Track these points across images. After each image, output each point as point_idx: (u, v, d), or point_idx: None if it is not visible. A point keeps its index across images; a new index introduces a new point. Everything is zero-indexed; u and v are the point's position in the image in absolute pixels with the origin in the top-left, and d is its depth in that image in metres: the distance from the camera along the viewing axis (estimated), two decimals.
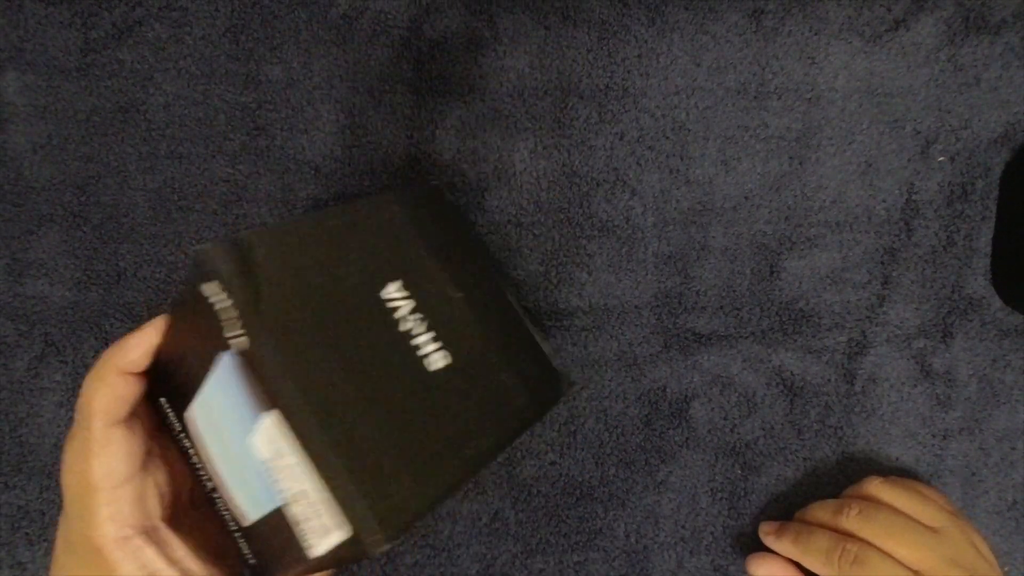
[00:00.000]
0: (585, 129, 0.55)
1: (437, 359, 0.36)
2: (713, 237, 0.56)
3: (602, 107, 0.55)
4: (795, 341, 0.56)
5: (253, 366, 0.31)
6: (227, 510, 0.38)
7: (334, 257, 0.35)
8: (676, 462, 0.55)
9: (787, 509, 0.55)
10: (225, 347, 0.32)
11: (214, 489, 0.38)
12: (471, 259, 0.43)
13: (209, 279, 0.32)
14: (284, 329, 0.32)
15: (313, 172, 0.55)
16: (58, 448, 0.54)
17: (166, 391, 0.39)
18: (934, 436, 0.56)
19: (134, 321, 0.54)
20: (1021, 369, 0.57)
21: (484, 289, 0.42)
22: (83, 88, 0.55)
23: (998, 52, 0.56)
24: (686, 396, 0.55)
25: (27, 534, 0.54)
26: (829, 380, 0.56)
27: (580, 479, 0.55)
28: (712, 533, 0.55)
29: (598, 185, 0.55)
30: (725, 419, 0.56)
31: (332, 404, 0.31)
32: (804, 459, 0.56)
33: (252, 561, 0.39)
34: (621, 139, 0.55)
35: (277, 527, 0.34)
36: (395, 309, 0.36)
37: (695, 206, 0.56)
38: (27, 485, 0.54)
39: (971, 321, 0.57)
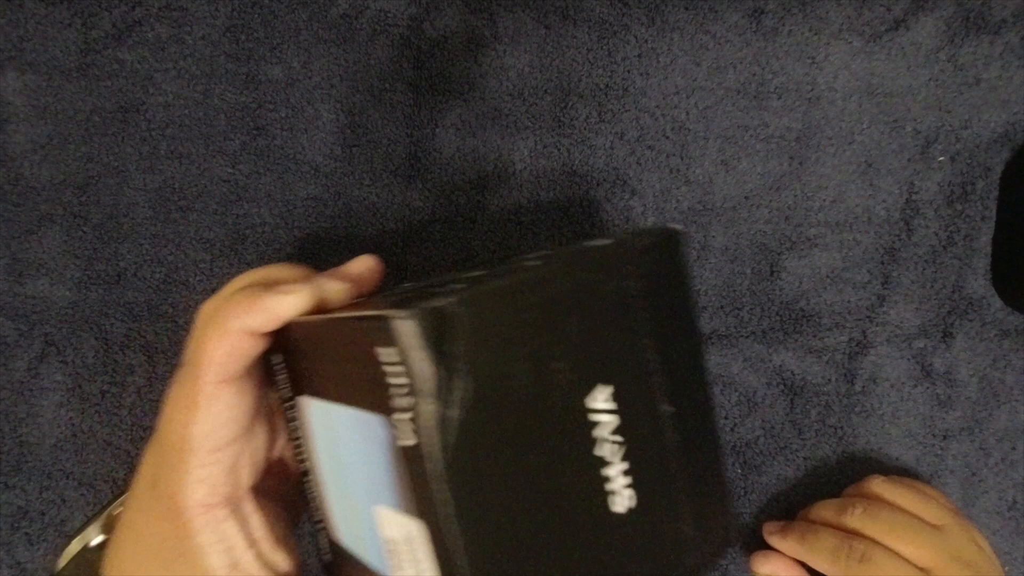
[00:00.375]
0: (585, 128, 0.55)
1: (623, 499, 0.29)
2: (713, 237, 0.56)
3: (602, 106, 0.55)
4: (795, 341, 0.56)
5: (410, 463, 0.26)
6: (314, 498, 0.35)
7: (549, 342, 0.28)
8: None
9: (787, 508, 0.55)
10: (384, 412, 0.26)
11: (307, 473, 0.35)
12: (688, 346, 0.35)
13: (388, 345, 0.25)
14: (462, 436, 0.25)
15: (313, 172, 0.55)
16: (58, 448, 0.54)
17: (286, 349, 0.34)
18: (934, 436, 0.57)
19: (135, 321, 0.55)
20: (1021, 369, 0.57)
21: (693, 396, 0.34)
22: (83, 88, 0.55)
23: (998, 52, 0.56)
24: None
25: (27, 534, 0.54)
26: (829, 380, 0.56)
27: None
28: None
29: (598, 184, 0.55)
30: (726, 418, 0.56)
31: (490, 538, 0.26)
32: (804, 458, 0.56)
33: (327, 558, 0.36)
34: (621, 138, 0.56)
35: (363, 571, 0.32)
36: (595, 424, 0.29)
37: (695, 206, 0.56)
38: (27, 485, 0.54)
39: (971, 321, 0.57)
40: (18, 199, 0.55)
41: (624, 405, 0.29)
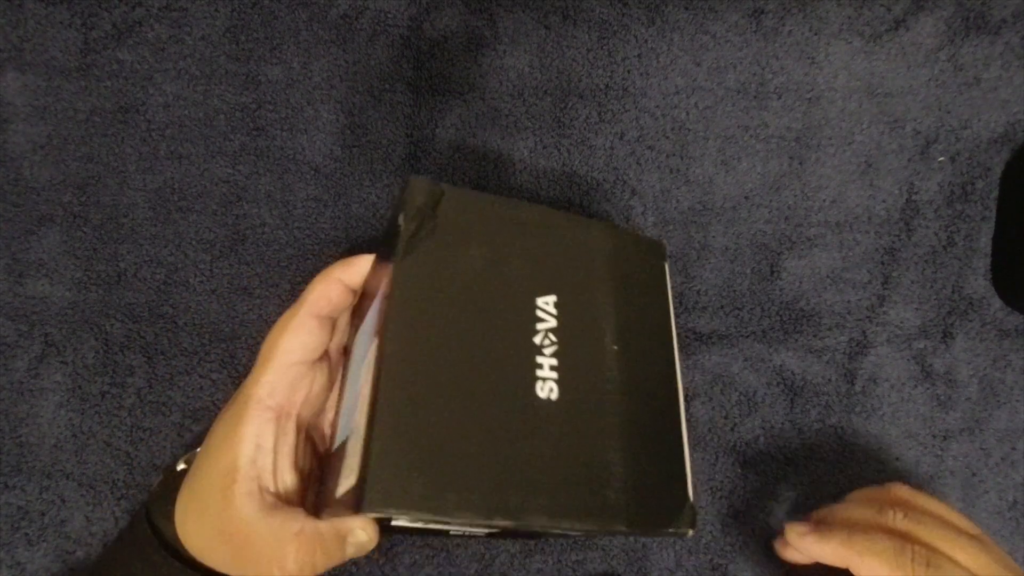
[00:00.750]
0: (585, 129, 0.56)
1: (546, 389, 0.34)
2: (713, 237, 0.56)
3: (602, 107, 0.56)
4: (796, 341, 0.57)
5: (386, 295, 0.33)
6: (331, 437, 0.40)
7: (515, 245, 0.36)
8: None
9: (788, 508, 0.56)
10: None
11: (337, 414, 0.40)
12: (655, 334, 0.39)
13: (400, 209, 0.34)
14: (428, 277, 0.33)
15: (313, 172, 0.56)
16: (58, 448, 0.55)
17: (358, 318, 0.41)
18: (934, 436, 0.57)
19: (135, 322, 0.55)
20: (1021, 369, 0.57)
21: (649, 369, 0.38)
22: (83, 88, 0.56)
23: (998, 52, 0.57)
24: (687, 395, 0.56)
25: (27, 534, 0.55)
26: (829, 380, 0.57)
27: None
28: (711, 532, 0.56)
29: (598, 185, 0.56)
30: (726, 418, 0.56)
31: (425, 363, 0.31)
32: (804, 458, 0.56)
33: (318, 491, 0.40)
34: (621, 139, 0.56)
35: (338, 459, 0.36)
36: (540, 320, 0.35)
37: (695, 206, 0.56)
38: (27, 485, 0.55)
39: (971, 321, 0.57)
40: (18, 199, 0.55)
41: (565, 316, 0.35)
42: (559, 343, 0.35)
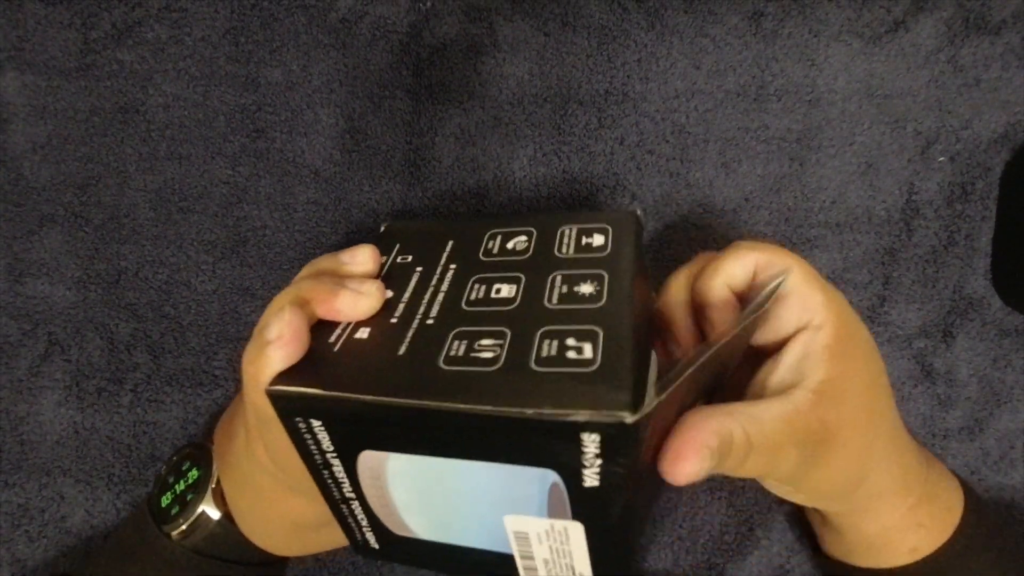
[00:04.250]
0: (585, 135, 0.58)
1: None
2: (714, 239, 0.59)
3: (602, 112, 0.59)
4: None
5: (580, 498, 0.34)
6: (361, 514, 0.41)
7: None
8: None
9: (788, 509, 0.58)
10: (548, 467, 0.33)
11: (350, 499, 0.40)
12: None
13: (594, 432, 0.31)
14: (623, 487, 0.33)
15: (313, 175, 0.58)
16: (59, 446, 0.58)
17: (324, 417, 0.37)
18: (935, 436, 0.59)
19: (139, 321, 0.58)
20: (1021, 369, 0.59)
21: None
22: (83, 88, 0.58)
23: (998, 52, 0.59)
24: None
25: (27, 531, 0.58)
26: None
27: None
28: (709, 532, 0.58)
29: (598, 191, 0.58)
30: None
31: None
32: None
33: (373, 545, 0.42)
34: (621, 144, 0.59)
35: (473, 559, 0.40)
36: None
37: (696, 209, 0.59)
38: (27, 483, 0.58)
39: (972, 321, 0.59)
40: (19, 199, 0.58)
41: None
42: None
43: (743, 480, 0.58)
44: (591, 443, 0.31)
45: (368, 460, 0.37)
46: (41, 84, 0.58)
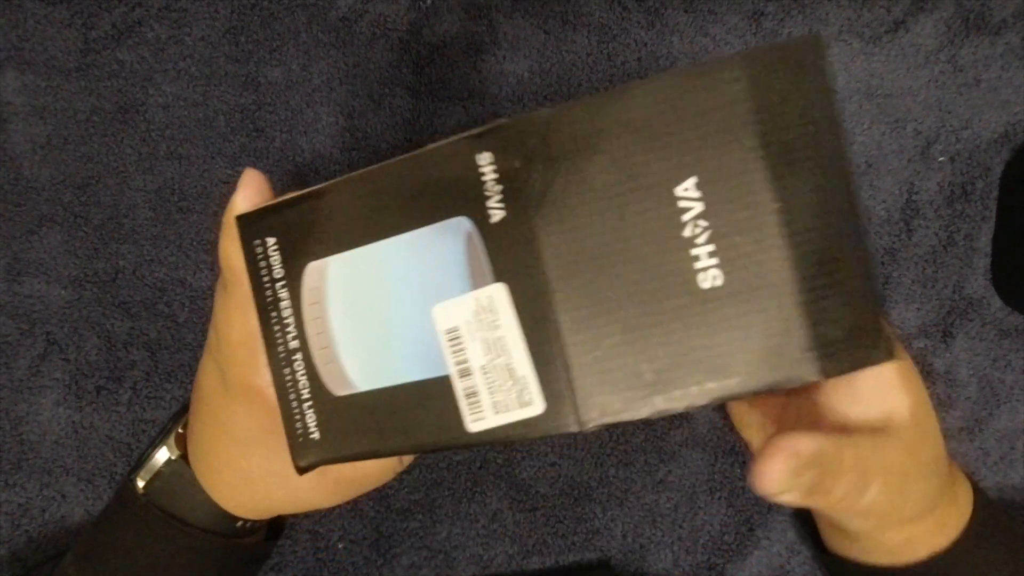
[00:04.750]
0: None
1: (710, 277, 0.34)
2: None
3: None
4: None
5: (493, 238, 0.34)
6: (303, 376, 0.40)
7: (640, 145, 0.34)
8: (676, 461, 0.58)
9: (788, 508, 0.58)
10: (458, 213, 0.35)
11: (294, 351, 0.40)
12: (818, 162, 0.36)
13: (485, 150, 0.34)
14: (553, 211, 0.34)
15: (313, 175, 0.59)
16: (59, 445, 0.58)
17: (278, 231, 0.40)
18: None
19: (136, 320, 0.58)
20: (1021, 369, 0.60)
21: (822, 199, 0.36)
22: (83, 88, 0.58)
23: (998, 52, 0.59)
24: None
25: (27, 531, 0.58)
26: None
27: (579, 480, 0.59)
28: (709, 532, 0.58)
29: None
30: (726, 418, 0.59)
31: (575, 290, 0.34)
32: None
33: (314, 436, 0.40)
34: None
35: (411, 399, 0.37)
36: (685, 210, 0.34)
37: None
38: (27, 483, 0.58)
39: (971, 321, 0.60)
40: (18, 199, 0.58)
41: (711, 193, 0.34)
42: (711, 226, 0.34)
43: (743, 482, 0.58)
44: (486, 162, 0.34)
45: (311, 280, 0.39)
46: (41, 84, 0.58)
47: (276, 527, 0.56)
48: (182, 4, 0.58)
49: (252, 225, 0.41)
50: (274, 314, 0.40)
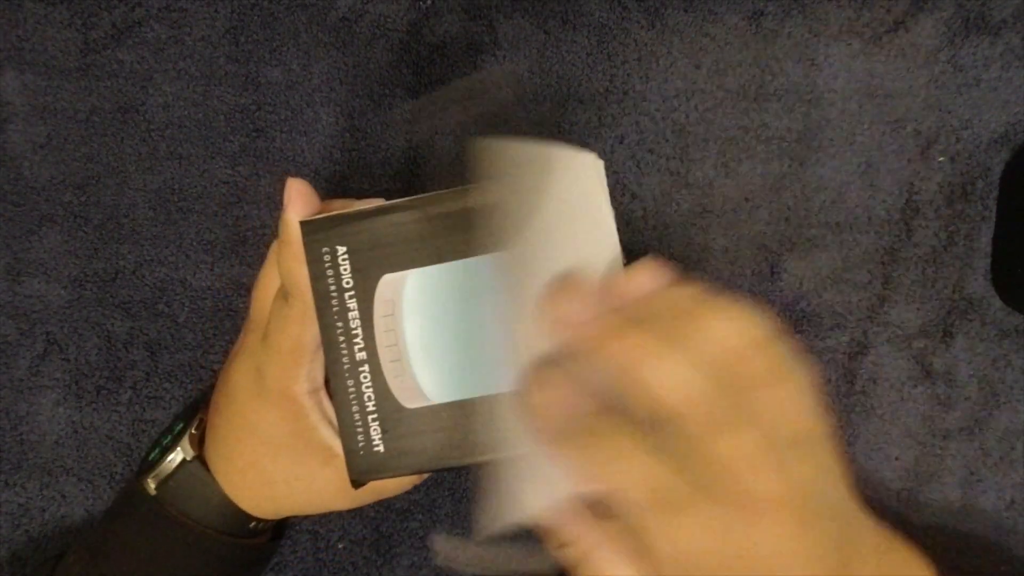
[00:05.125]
0: (585, 133, 0.58)
1: None
2: (714, 239, 0.59)
3: (602, 111, 0.58)
4: (796, 341, 0.59)
5: None
6: (368, 387, 0.41)
7: None
8: None
9: None
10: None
11: (360, 363, 0.41)
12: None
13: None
14: None
15: (313, 174, 0.58)
16: (59, 445, 0.57)
17: (349, 241, 0.41)
18: (934, 436, 0.59)
19: (134, 321, 0.58)
20: (1021, 369, 0.60)
21: None
22: (83, 88, 0.58)
23: (998, 52, 0.59)
24: None
25: (28, 531, 0.58)
26: (830, 380, 0.59)
27: None
28: None
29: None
30: None
31: None
32: None
33: (377, 448, 0.41)
34: (621, 142, 0.59)
35: (485, 412, 0.39)
36: None
37: (695, 208, 0.59)
38: (27, 483, 0.58)
39: (971, 321, 0.59)
40: (19, 199, 0.58)
41: None
42: None
43: None
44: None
45: (385, 292, 0.40)
46: (41, 84, 0.58)
47: (279, 527, 0.56)
48: (182, 4, 0.58)
49: (319, 232, 0.41)
50: (340, 325, 0.41)
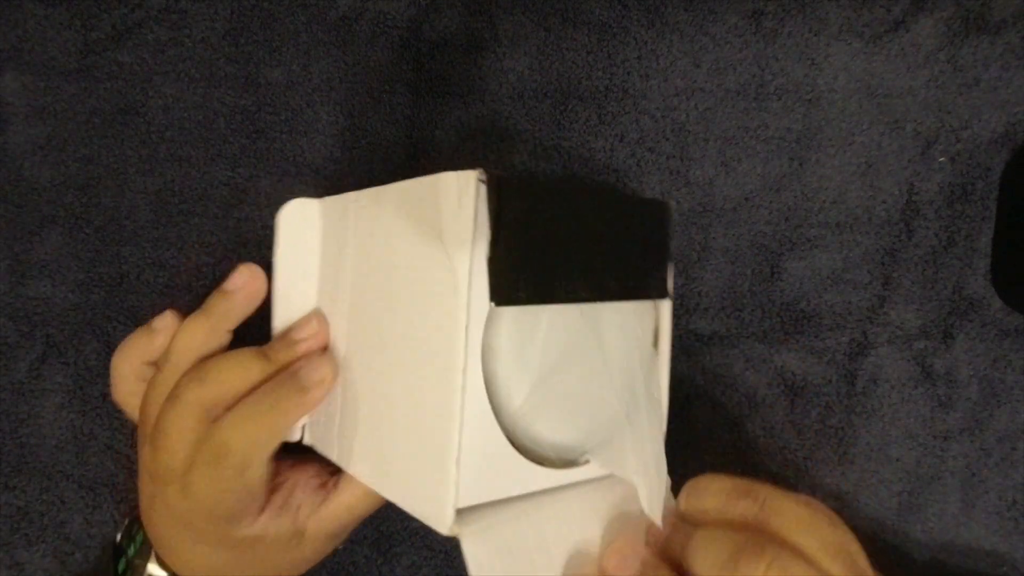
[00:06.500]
0: (585, 131, 0.57)
1: None
2: (714, 238, 0.58)
3: (602, 109, 0.57)
4: (796, 341, 0.58)
5: None
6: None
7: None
8: (677, 462, 0.57)
9: None
10: None
11: None
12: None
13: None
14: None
15: (313, 174, 0.57)
16: (59, 449, 0.56)
17: None
18: (935, 437, 0.58)
19: (137, 324, 0.56)
20: (1021, 369, 0.59)
21: None
22: (83, 89, 0.57)
23: (998, 52, 0.58)
24: (688, 396, 0.57)
25: (26, 535, 0.56)
26: (830, 380, 0.58)
27: None
28: None
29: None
30: (726, 419, 0.58)
31: None
32: (804, 459, 0.57)
33: None
34: (621, 141, 0.58)
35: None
36: None
37: (695, 207, 0.58)
38: (27, 486, 0.57)
39: (972, 322, 0.59)
40: (20, 200, 0.57)
41: None
42: None
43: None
44: None
45: None
46: (41, 84, 0.57)
47: None
48: (182, 5, 0.57)
49: None
50: None
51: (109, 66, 0.57)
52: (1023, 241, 0.57)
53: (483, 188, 0.34)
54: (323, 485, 0.47)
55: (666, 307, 0.46)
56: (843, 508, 0.57)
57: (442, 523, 0.34)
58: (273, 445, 0.42)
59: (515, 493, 0.38)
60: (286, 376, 0.43)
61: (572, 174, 0.57)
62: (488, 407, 0.36)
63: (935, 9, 0.58)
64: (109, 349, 0.56)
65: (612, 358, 0.42)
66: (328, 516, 0.45)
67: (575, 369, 0.40)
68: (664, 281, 0.45)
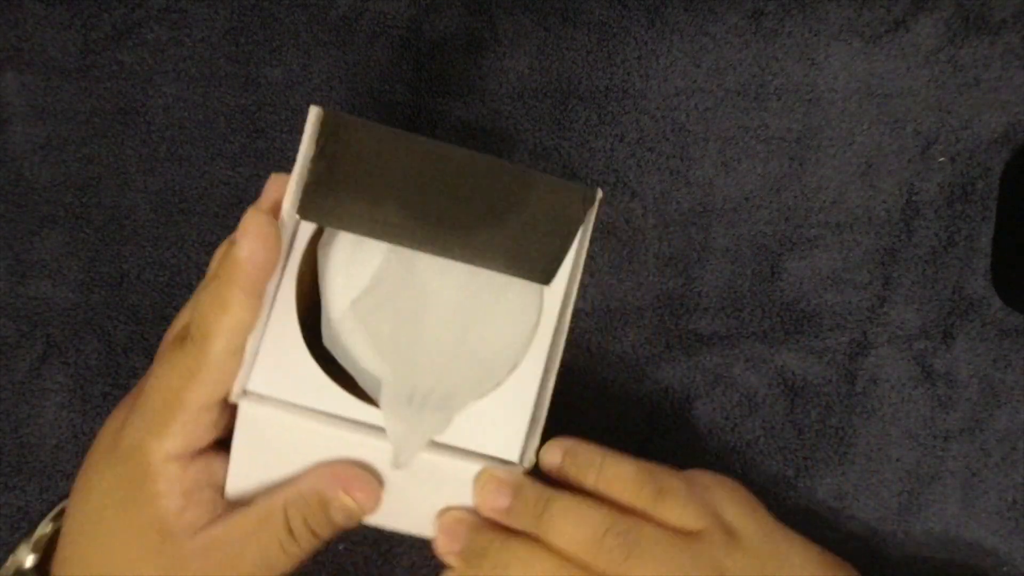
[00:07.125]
0: (585, 131, 0.57)
1: None
2: (714, 238, 0.57)
3: (602, 109, 0.57)
4: (796, 341, 0.57)
5: None
6: None
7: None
8: (677, 462, 0.56)
9: (786, 509, 0.56)
10: None
11: None
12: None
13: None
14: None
15: None
16: (59, 449, 0.56)
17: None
18: (935, 437, 0.58)
19: (138, 324, 0.56)
20: (1021, 369, 0.58)
21: None
22: (83, 89, 0.57)
23: (998, 52, 0.58)
24: (688, 396, 0.57)
25: (26, 535, 0.56)
26: (830, 380, 0.58)
27: None
28: None
29: (598, 187, 0.57)
30: (726, 419, 0.57)
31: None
32: (804, 459, 0.57)
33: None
34: (621, 140, 0.57)
35: None
36: None
37: (695, 207, 0.57)
38: (27, 486, 0.56)
39: (972, 322, 0.58)
40: (20, 200, 0.57)
41: None
42: None
43: (744, 482, 0.57)
44: None
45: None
46: (41, 84, 0.57)
47: None
48: (182, 5, 0.57)
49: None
50: None
51: (109, 66, 0.57)
52: (1023, 241, 0.56)
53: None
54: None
55: (554, 293, 0.43)
56: (843, 508, 0.57)
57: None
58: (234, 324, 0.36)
59: (309, 404, 0.38)
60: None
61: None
62: (294, 312, 0.39)
63: (935, 9, 0.57)
64: (109, 349, 0.56)
65: (452, 317, 0.41)
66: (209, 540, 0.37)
67: (401, 311, 0.40)
68: (554, 266, 0.42)
